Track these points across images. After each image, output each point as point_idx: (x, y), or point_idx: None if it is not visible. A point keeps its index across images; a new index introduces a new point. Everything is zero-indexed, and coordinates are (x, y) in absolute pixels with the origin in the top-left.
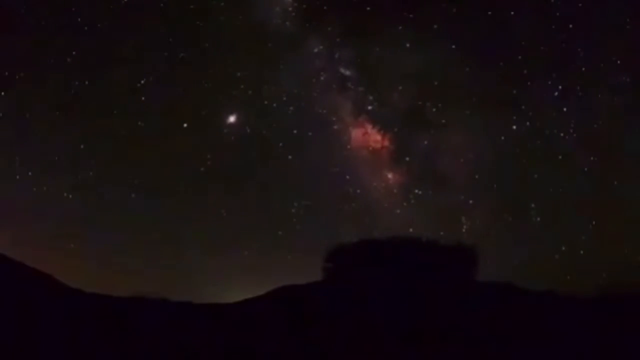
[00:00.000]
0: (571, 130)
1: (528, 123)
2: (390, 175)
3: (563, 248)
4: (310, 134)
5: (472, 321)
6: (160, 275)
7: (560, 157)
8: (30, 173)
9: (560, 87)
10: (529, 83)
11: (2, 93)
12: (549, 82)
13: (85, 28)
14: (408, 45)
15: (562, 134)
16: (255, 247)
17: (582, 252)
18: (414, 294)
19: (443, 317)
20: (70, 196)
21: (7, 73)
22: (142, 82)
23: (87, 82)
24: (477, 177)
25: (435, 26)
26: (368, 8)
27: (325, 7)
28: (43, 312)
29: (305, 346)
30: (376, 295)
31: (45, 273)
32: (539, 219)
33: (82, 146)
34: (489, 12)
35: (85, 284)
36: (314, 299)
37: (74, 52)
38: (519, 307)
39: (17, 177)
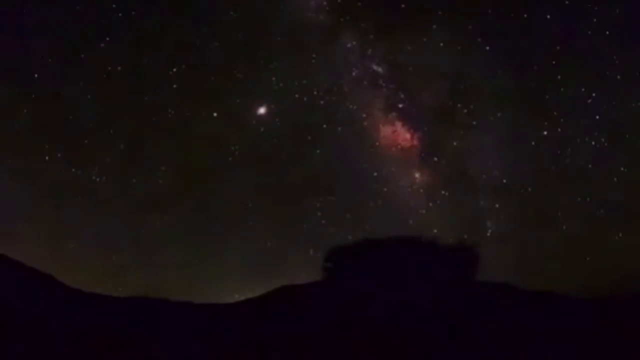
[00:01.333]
0: (603, 140)
1: (559, 129)
2: (417, 175)
3: (587, 259)
4: (339, 129)
5: (472, 321)
6: (160, 275)
7: (590, 166)
8: (59, 155)
9: (593, 94)
10: (562, 89)
11: (36, 75)
12: (583, 89)
13: (120, 14)
14: (441, 44)
15: (593, 143)
16: (276, 241)
17: (607, 264)
18: (414, 293)
19: (443, 317)
20: (99, 179)
21: (41, 56)
22: (174, 70)
23: (119, 68)
24: (504, 181)
25: (469, 26)
26: (402, 5)
27: (359, 3)
28: (42, 312)
29: (305, 346)
30: (376, 295)
31: (45, 273)
32: (564, 227)
33: (111, 131)
34: (525, 15)
35: (85, 284)
36: (314, 299)
37: (107, 38)
38: (519, 307)
39: (47, 158)
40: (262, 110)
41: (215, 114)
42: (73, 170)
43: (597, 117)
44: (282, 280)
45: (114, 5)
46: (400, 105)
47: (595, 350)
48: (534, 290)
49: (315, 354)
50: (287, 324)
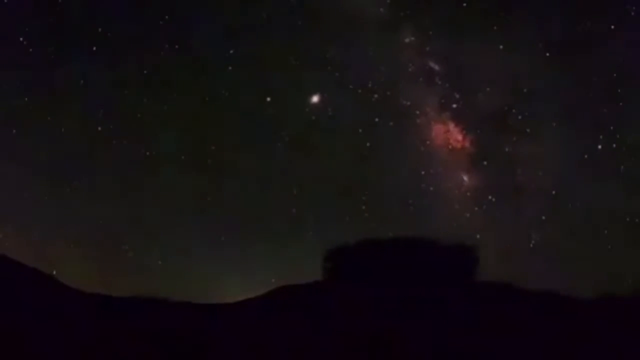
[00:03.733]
0: None
1: (614, 145)
2: (465, 178)
3: (630, 281)
4: (391, 124)
5: (472, 321)
6: (160, 275)
7: None
8: (111, 126)
9: None
10: (620, 103)
11: (94, 48)
12: None
13: None
14: (501, 47)
15: None
16: (316, 231)
17: None
18: (414, 294)
19: (442, 318)
20: (147, 153)
21: (100, 29)
22: (231, 52)
23: (176, 47)
24: (553, 192)
25: (530, 32)
26: (464, 4)
27: None
28: (43, 312)
29: (305, 346)
30: (376, 295)
31: (46, 273)
32: (610, 246)
33: (165, 107)
34: (588, 23)
35: (85, 284)
36: (314, 299)
37: (166, 17)
38: (519, 307)
39: (99, 128)
40: (315, 99)
41: (268, 99)
42: (123, 142)
43: None
44: (282, 280)
45: None
46: (455, 106)
47: (597, 350)
48: (537, 290)
49: (316, 354)
50: (287, 324)
